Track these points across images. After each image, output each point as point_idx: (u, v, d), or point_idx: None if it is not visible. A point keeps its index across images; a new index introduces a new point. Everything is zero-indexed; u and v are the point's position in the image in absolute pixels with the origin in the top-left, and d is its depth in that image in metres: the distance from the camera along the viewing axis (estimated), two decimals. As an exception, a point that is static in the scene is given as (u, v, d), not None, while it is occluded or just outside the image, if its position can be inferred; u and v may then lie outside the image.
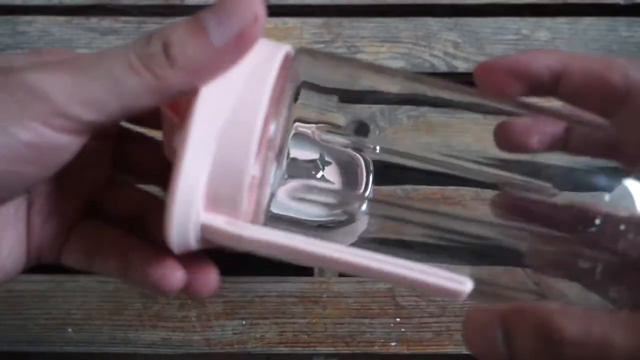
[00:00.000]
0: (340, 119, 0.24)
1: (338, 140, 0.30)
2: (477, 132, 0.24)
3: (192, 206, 0.20)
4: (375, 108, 0.23)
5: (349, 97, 0.23)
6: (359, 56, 0.47)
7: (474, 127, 0.24)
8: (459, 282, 0.20)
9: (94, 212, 0.27)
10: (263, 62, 0.20)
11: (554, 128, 0.24)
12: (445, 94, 0.24)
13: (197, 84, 0.20)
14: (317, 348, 0.41)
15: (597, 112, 0.22)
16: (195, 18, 0.20)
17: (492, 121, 0.24)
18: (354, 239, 0.35)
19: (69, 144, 0.20)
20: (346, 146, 0.29)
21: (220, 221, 0.20)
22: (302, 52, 0.22)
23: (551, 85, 0.23)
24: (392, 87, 0.23)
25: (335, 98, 0.23)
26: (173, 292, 0.24)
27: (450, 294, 0.20)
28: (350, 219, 0.32)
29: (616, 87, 0.21)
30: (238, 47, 0.20)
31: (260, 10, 0.20)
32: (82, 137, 0.20)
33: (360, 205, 0.32)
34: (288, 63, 0.21)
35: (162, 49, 0.19)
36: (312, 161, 0.32)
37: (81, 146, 0.21)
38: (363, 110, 0.24)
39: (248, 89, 0.20)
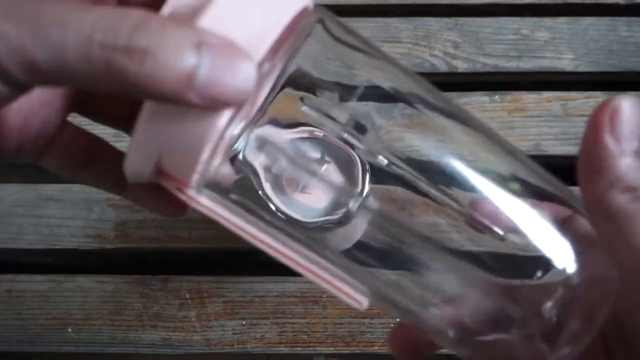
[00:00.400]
0: (340, 115, 0.24)
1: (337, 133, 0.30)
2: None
3: (146, 169, 0.20)
4: (371, 105, 0.23)
5: (347, 92, 0.23)
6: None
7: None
8: (358, 301, 0.23)
9: (86, 112, 0.25)
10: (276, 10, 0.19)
11: None
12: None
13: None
14: (317, 348, 0.41)
15: None
16: (194, 45, 0.17)
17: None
18: (352, 241, 0.35)
19: (8, 94, 0.18)
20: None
21: (172, 187, 0.21)
22: (317, 28, 0.21)
23: None
24: (389, 83, 0.23)
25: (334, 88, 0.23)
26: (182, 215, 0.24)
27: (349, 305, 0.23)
28: (347, 220, 0.32)
29: None
30: (215, 103, 0.17)
31: (253, 84, 0.18)
32: (26, 90, 0.19)
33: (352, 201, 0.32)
34: (300, 21, 0.20)
35: (138, 49, 0.16)
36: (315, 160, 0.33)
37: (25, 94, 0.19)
38: (359, 107, 0.24)
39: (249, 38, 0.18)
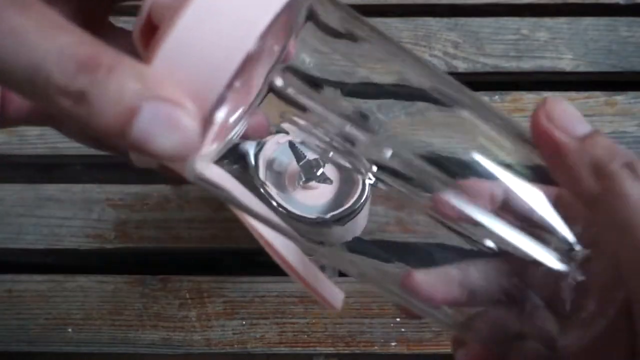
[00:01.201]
0: (341, 111, 0.24)
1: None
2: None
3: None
4: (372, 102, 0.23)
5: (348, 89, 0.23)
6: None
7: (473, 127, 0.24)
8: (333, 306, 0.22)
9: None
10: None
11: None
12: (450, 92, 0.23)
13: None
14: (317, 348, 0.41)
15: None
16: (135, 97, 0.16)
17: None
18: (354, 235, 0.35)
19: None
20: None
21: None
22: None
23: None
24: (390, 77, 0.23)
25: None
26: None
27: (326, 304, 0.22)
28: (350, 215, 0.33)
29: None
30: (149, 156, 0.17)
31: (192, 145, 0.17)
32: None
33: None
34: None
35: (76, 92, 0.16)
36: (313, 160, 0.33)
37: None
38: (360, 103, 0.23)
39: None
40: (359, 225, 0.35)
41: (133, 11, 0.21)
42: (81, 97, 0.16)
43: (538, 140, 0.21)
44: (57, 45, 0.16)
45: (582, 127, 0.20)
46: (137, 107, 0.16)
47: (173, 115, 0.17)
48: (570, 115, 0.20)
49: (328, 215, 0.32)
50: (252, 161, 0.31)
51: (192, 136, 0.17)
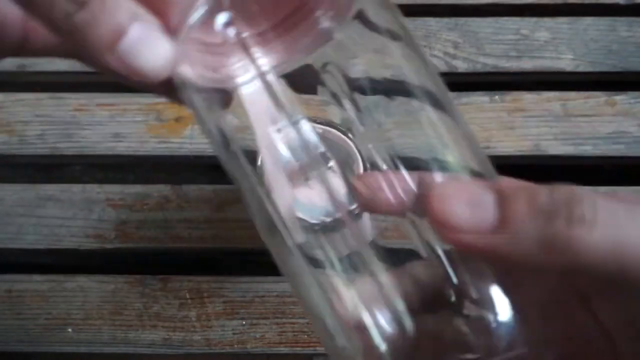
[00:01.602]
0: (335, 113, 0.24)
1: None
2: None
3: None
4: (370, 100, 0.23)
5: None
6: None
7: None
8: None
9: None
10: None
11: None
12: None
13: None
14: (317, 348, 0.41)
15: None
16: (129, 14, 0.18)
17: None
18: (361, 242, 0.35)
19: None
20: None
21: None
22: None
23: None
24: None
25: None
26: None
27: None
28: (353, 220, 0.32)
29: None
30: (129, 73, 0.19)
31: (168, 66, 0.19)
32: None
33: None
34: None
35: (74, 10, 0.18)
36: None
37: None
38: (360, 101, 0.23)
39: None
40: (364, 232, 0.34)
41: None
42: (83, 4, 0.17)
43: (456, 246, 0.19)
44: None
45: (486, 210, 0.18)
46: (126, 25, 0.18)
47: (156, 37, 0.19)
48: (468, 205, 0.18)
49: (332, 218, 0.32)
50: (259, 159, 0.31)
51: (170, 57, 0.19)
